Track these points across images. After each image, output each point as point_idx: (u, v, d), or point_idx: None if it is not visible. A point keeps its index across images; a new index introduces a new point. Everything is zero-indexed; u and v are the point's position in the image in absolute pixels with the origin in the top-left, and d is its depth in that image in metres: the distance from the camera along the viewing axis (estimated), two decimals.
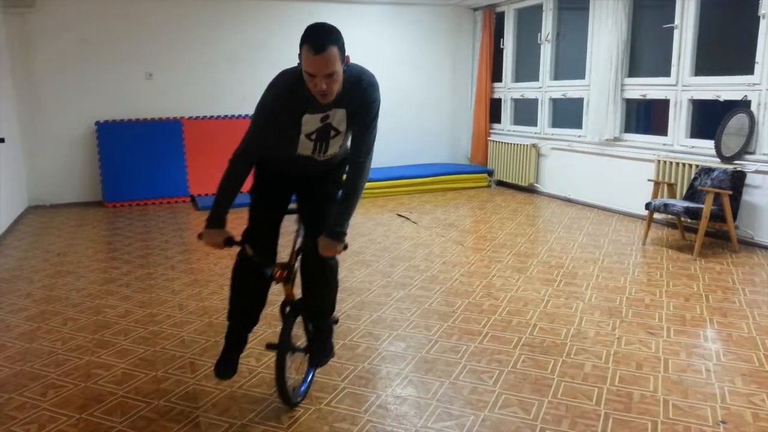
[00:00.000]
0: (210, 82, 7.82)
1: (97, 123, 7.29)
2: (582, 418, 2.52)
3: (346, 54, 2.14)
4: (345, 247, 2.34)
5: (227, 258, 5.00)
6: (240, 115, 7.91)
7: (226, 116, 7.89)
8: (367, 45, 8.13)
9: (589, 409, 2.58)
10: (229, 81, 7.88)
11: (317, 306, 2.62)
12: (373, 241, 5.53)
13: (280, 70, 2.29)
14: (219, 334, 3.42)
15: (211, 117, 7.83)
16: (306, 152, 2.39)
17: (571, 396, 2.70)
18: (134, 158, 7.37)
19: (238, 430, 2.48)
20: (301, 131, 2.30)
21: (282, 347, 2.44)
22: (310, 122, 2.29)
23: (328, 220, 2.38)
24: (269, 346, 2.54)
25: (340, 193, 2.46)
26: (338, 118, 2.31)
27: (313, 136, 2.33)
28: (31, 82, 7.08)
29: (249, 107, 7.99)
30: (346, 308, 3.81)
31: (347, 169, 2.37)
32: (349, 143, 2.46)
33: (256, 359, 3.10)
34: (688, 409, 2.59)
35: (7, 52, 6.78)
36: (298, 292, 2.58)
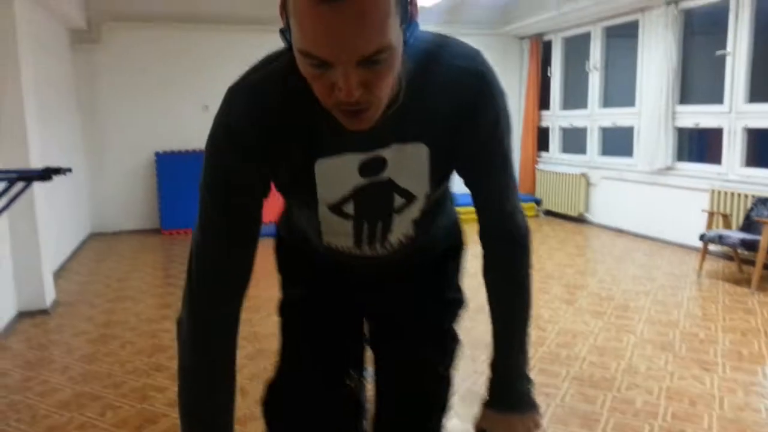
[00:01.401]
0: None
1: (157, 153, 7.62)
2: None
3: (408, 11, 0.84)
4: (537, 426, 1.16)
5: (277, 285, 5.12)
6: None
7: None
8: None
9: None
10: None
11: None
12: None
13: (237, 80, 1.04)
14: (268, 360, 3.51)
15: None
16: (342, 243, 1.16)
17: (622, 431, 2.65)
18: (190, 187, 7.59)
19: None
20: (317, 200, 1.05)
21: None
22: (335, 177, 1.02)
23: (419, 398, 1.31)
24: None
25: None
26: (407, 163, 1.03)
27: (349, 209, 1.07)
28: (96, 114, 7.48)
29: None
30: None
31: (487, 247, 1.16)
32: (443, 211, 1.26)
33: None
34: None
35: (74, 85, 7.20)
36: None
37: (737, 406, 2.87)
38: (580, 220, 7.85)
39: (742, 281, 4.95)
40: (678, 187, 6.29)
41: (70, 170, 3.68)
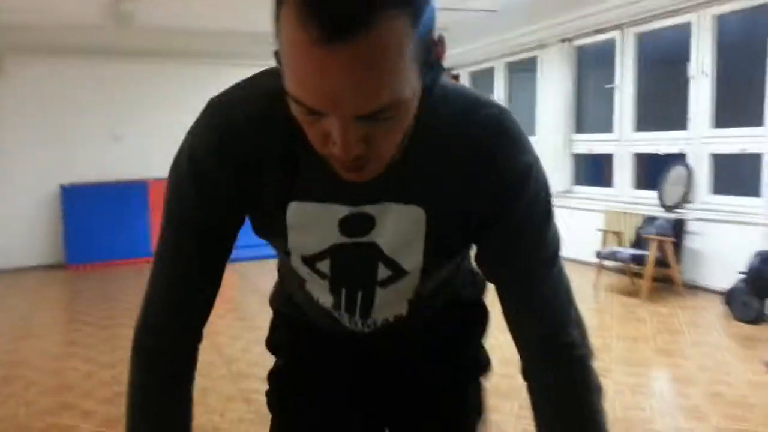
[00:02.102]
0: (175, 144, 7.96)
1: (62, 186, 7.36)
2: None
3: (435, 33, 0.68)
4: None
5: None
6: None
7: None
8: None
9: None
10: None
11: None
12: None
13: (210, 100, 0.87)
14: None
15: None
16: (324, 301, 0.99)
17: None
18: (99, 220, 7.42)
19: None
20: (288, 246, 0.89)
21: None
22: (309, 226, 0.86)
23: None
24: None
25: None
26: (398, 227, 0.85)
27: (324, 267, 0.91)
28: None
29: None
30: None
31: (534, 380, 0.91)
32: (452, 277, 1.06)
33: (220, 415, 3.17)
34: None
35: None
36: None
37: (626, 406, 3.14)
38: None
39: (634, 293, 5.36)
40: (576, 208, 6.74)
41: None
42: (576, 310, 0.90)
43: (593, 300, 5.24)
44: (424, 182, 0.80)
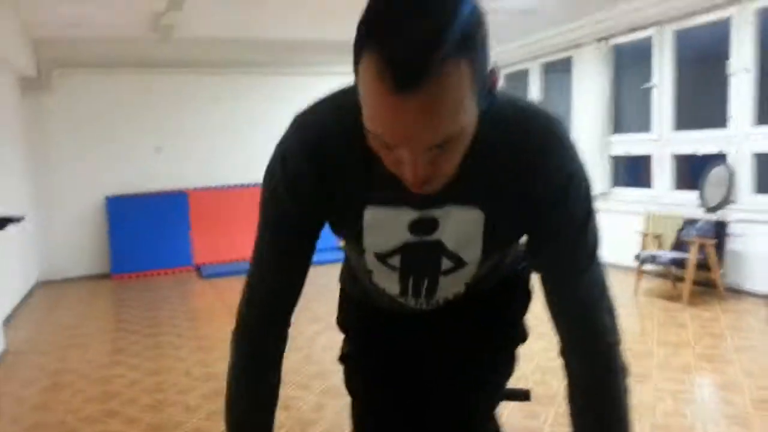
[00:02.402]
0: (213, 153, 8.18)
1: (107, 197, 7.60)
2: None
3: (494, 69, 0.81)
4: None
5: (230, 324, 5.16)
6: (243, 184, 8.23)
7: (229, 186, 8.21)
8: None
9: None
10: (232, 152, 8.24)
11: None
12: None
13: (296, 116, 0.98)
14: (223, 398, 3.56)
15: (216, 187, 8.15)
16: (390, 289, 1.13)
17: None
18: (142, 230, 7.64)
19: None
20: (363, 245, 1.03)
21: None
22: (383, 229, 0.99)
23: None
24: None
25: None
26: (460, 227, 0.98)
27: (395, 262, 1.04)
28: (46, 160, 7.43)
29: (250, 175, 8.33)
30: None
31: (570, 366, 1.03)
32: (500, 264, 1.18)
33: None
34: None
35: (23, 131, 7.16)
36: None
37: (667, 413, 3.08)
38: None
39: (675, 297, 5.24)
40: (615, 211, 6.62)
41: (23, 218, 3.71)
42: (609, 299, 1.01)
43: (633, 305, 5.15)
44: (482, 188, 0.92)
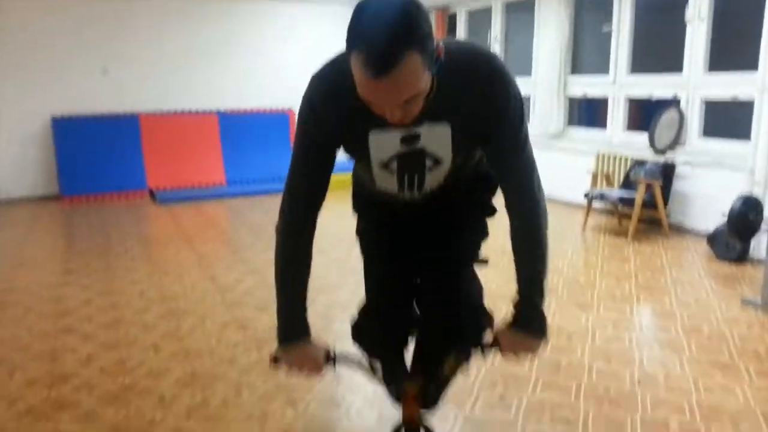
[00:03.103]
0: (166, 78, 7.90)
1: (54, 118, 7.29)
2: (515, 381, 2.80)
3: (437, 44, 1.16)
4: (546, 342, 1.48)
5: (185, 249, 5.15)
6: (198, 111, 8.02)
7: (183, 111, 7.98)
8: (322, 44, 8.33)
9: (522, 375, 2.87)
10: (185, 77, 7.97)
11: (433, 400, 1.72)
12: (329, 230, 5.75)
13: (317, 70, 1.37)
14: (180, 318, 3.59)
15: (169, 112, 7.91)
16: (388, 188, 1.53)
17: (507, 363, 2.97)
18: (91, 152, 7.40)
19: (201, 401, 2.66)
20: (372, 158, 1.42)
21: None
22: (383, 143, 1.38)
23: (449, 303, 1.70)
24: None
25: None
26: (435, 137, 1.36)
27: (393, 166, 1.43)
28: None
29: (206, 102, 8.12)
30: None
31: (514, 211, 1.43)
32: (470, 166, 1.60)
33: (217, 339, 3.29)
34: (610, 372, 2.89)
35: None
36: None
37: (606, 338, 3.28)
38: None
39: (622, 234, 5.48)
40: (569, 150, 6.79)
41: None
42: (538, 177, 1.41)
43: (581, 240, 5.36)
44: (448, 110, 1.31)
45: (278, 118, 8.49)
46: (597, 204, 5.86)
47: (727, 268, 4.49)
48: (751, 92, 4.85)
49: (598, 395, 2.69)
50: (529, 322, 1.45)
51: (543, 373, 2.88)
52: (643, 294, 3.97)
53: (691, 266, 4.57)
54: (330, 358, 1.45)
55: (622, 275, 4.35)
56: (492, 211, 1.74)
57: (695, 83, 5.44)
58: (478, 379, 2.82)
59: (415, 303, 1.83)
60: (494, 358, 1.84)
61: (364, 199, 1.77)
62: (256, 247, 5.15)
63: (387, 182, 1.50)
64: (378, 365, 1.56)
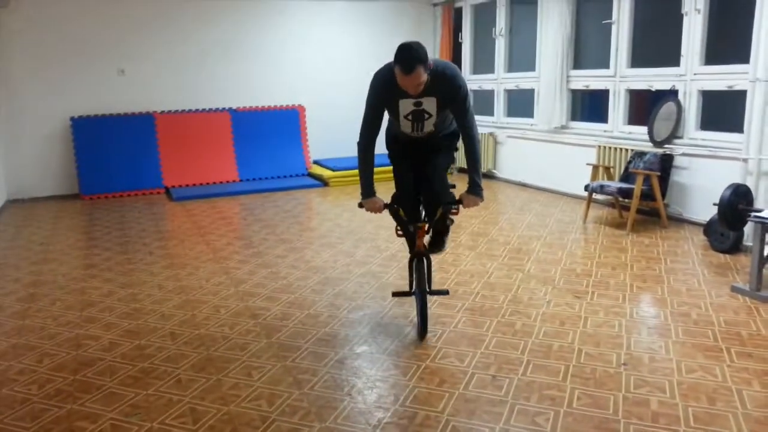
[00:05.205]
0: (181, 77, 8.14)
1: (72, 118, 7.56)
2: (508, 364, 2.99)
3: (429, 61, 2.86)
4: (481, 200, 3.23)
5: (201, 244, 5.38)
6: (210, 109, 8.25)
7: (197, 110, 8.22)
8: (331, 41, 8.52)
9: (514, 357, 3.05)
10: (200, 76, 8.21)
11: (439, 244, 3.51)
12: (339, 225, 5.95)
13: (377, 70, 3.10)
14: (195, 308, 3.82)
15: (183, 111, 8.15)
16: (407, 130, 3.20)
17: (501, 347, 3.16)
18: (109, 152, 7.67)
19: (215, 383, 2.88)
20: (399, 113, 3.12)
21: (421, 283, 3.29)
22: (405, 106, 3.08)
23: (435, 183, 3.24)
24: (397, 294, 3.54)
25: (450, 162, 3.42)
26: (429, 104, 3.07)
27: (410, 117, 3.12)
28: (8, 80, 7.31)
29: (218, 100, 8.35)
30: (311, 284, 4.23)
31: (464, 141, 3.13)
32: (447, 123, 3.26)
33: (230, 327, 3.51)
34: (597, 355, 3.07)
35: None
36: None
37: (597, 324, 3.45)
38: (488, 176, 8.41)
39: (621, 225, 5.63)
40: (571, 143, 6.93)
41: None
42: (475, 124, 3.19)
43: (581, 231, 5.51)
44: (434, 91, 3.02)
45: (288, 113, 8.70)
46: (597, 196, 6.00)
47: (721, 258, 4.63)
48: (744, 84, 4.97)
49: (584, 376, 2.87)
50: (476, 189, 3.17)
51: (535, 356, 3.07)
52: (636, 282, 4.13)
53: (686, 256, 4.72)
54: (386, 206, 3.20)
55: (618, 265, 4.51)
56: (456, 148, 3.39)
57: (691, 75, 5.56)
58: (474, 360, 3.01)
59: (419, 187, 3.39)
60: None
61: (393, 138, 3.39)
62: (268, 242, 5.37)
63: (405, 126, 3.18)
64: (405, 217, 3.31)
